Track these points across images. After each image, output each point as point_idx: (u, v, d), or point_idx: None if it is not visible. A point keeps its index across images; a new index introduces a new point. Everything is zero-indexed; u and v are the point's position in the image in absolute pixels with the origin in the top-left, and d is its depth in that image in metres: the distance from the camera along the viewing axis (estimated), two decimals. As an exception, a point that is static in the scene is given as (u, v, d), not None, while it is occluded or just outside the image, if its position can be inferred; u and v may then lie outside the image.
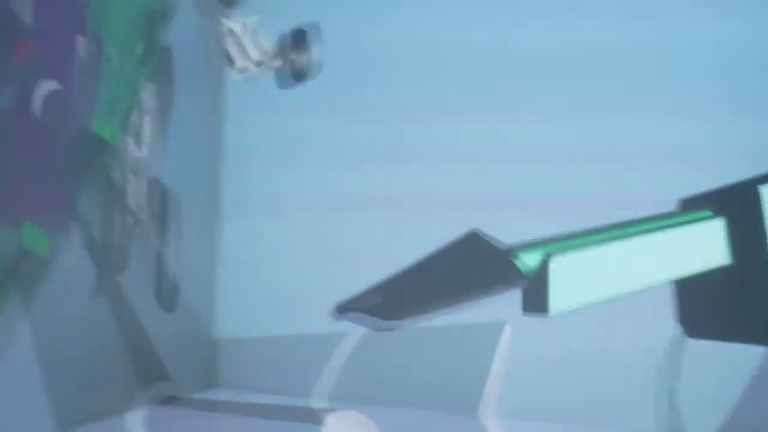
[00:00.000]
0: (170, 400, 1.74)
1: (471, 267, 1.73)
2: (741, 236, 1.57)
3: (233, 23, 1.97)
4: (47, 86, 1.26)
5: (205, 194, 1.96)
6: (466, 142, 1.78)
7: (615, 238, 1.62)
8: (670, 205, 1.62)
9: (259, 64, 1.97)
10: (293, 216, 1.90)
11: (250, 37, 1.97)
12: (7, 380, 1.20)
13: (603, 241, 1.63)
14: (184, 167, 1.83)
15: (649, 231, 1.60)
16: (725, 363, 1.53)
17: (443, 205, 1.75)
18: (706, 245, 1.58)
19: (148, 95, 1.68)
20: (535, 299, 1.64)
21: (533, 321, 1.66)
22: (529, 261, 1.65)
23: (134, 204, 1.68)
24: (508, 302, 1.68)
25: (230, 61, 1.98)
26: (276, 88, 1.96)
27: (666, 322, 1.59)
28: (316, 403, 1.78)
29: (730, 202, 1.57)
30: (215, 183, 1.98)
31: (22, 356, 1.25)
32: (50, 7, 1.28)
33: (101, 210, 1.54)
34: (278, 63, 1.96)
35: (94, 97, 1.44)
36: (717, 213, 1.58)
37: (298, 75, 1.94)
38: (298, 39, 1.94)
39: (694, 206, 1.60)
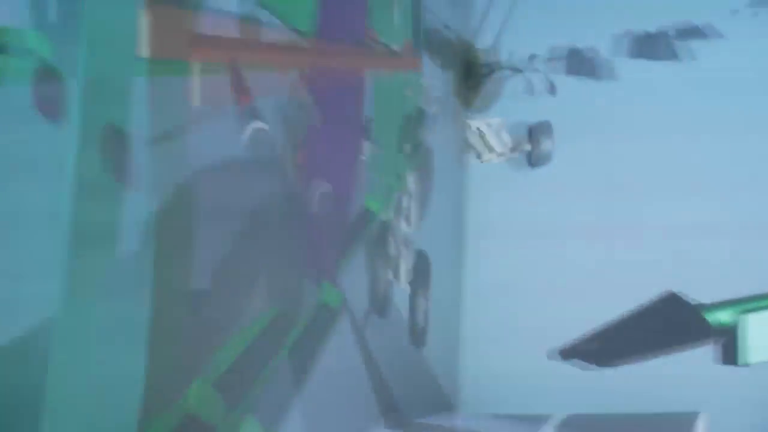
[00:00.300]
0: (411, 427, 2.13)
1: (669, 322, 1.93)
2: None
3: (479, 123, 2.45)
4: (321, 186, 1.77)
5: (451, 258, 2.41)
6: (681, 217, 2.03)
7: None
8: None
9: (500, 155, 2.42)
10: (529, 280, 2.26)
11: (493, 134, 2.43)
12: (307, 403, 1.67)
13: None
14: (437, 239, 2.31)
15: None
16: None
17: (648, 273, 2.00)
18: None
19: (412, 182, 2.18)
20: (728, 352, 1.79)
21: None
22: (722, 317, 1.82)
23: (404, 268, 2.16)
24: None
25: (476, 152, 2.46)
26: (512, 172, 2.39)
27: None
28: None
29: None
30: (460, 249, 2.44)
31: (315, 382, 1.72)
32: (345, 123, 1.83)
33: (380, 272, 2.04)
34: (516, 153, 2.39)
35: (370, 184, 1.96)
36: None
37: (533, 162, 2.36)
38: (533, 133, 2.36)
39: None
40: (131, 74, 1.07)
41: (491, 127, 2.43)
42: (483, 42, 2.46)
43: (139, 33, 1.13)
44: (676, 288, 2.00)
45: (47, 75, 0.94)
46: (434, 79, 2.26)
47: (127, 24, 1.07)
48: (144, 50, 1.09)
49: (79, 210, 0.94)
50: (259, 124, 1.51)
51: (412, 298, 2.19)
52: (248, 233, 1.40)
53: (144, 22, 1.11)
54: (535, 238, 2.28)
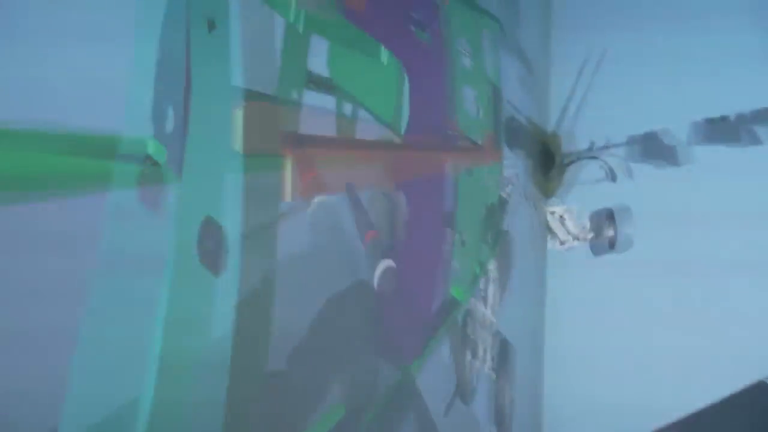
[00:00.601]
0: None
1: (759, 412, 1.87)
2: None
3: (559, 209, 2.48)
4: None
5: (532, 343, 2.41)
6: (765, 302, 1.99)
7: None
8: None
9: (580, 240, 2.44)
10: (610, 364, 2.24)
11: (573, 219, 2.46)
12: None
13: None
14: (518, 324, 2.32)
15: None
16: None
17: (733, 359, 1.95)
18: None
19: (493, 268, 2.22)
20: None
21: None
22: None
23: (487, 354, 2.18)
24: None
25: (556, 238, 2.49)
26: (592, 257, 2.40)
27: None
28: None
29: None
30: (540, 332, 2.44)
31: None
32: (430, 214, 1.90)
33: (464, 359, 2.06)
34: (596, 239, 2.40)
35: (455, 272, 2.01)
36: None
37: (613, 247, 2.36)
38: (613, 219, 2.38)
39: None
40: (227, 170, 1.16)
41: (571, 212, 2.46)
42: (560, 130, 2.52)
43: (235, 129, 1.23)
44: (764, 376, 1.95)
45: (153, 172, 1.04)
46: (515, 168, 2.32)
47: (224, 120, 1.17)
48: (239, 146, 1.19)
49: (173, 296, 1.02)
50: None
51: (496, 383, 2.19)
52: (330, 319, 1.46)
53: (240, 118, 1.22)
54: (616, 322, 2.26)
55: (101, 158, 0.92)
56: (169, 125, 1.05)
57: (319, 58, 1.44)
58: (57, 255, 0.84)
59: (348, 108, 1.54)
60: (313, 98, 1.42)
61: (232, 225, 1.14)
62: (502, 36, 2.27)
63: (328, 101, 1.47)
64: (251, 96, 1.21)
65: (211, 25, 1.12)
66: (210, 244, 1.08)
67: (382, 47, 1.67)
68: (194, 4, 1.09)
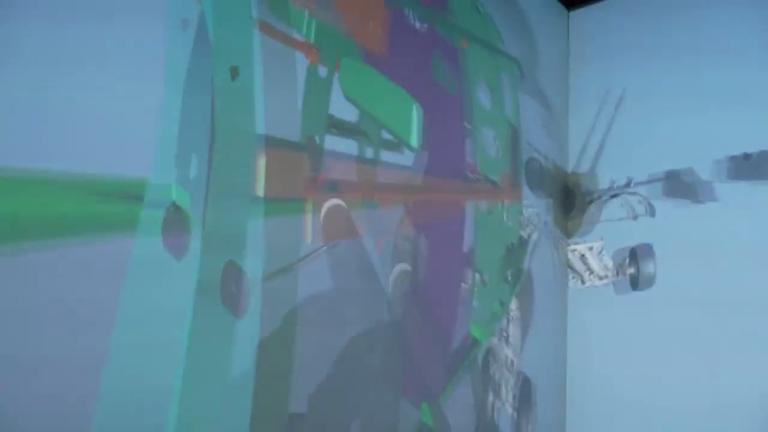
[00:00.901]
0: None
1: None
2: None
3: (580, 247, 2.49)
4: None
5: (554, 381, 2.40)
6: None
7: None
8: None
9: (602, 278, 2.44)
10: (634, 402, 2.23)
11: (595, 257, 2.47)
12: None
13: None
14: (540, 362, 2.32)
15: None
16: None
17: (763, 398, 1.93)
18: None
19: (514, 308, 2.23)
20: None
21: None
22: None
23: (509, 393, 2.18)
24: None
25: (578, 277, 2.49)
26: (614, 295, 2.40)
27: None
28: None
29: None
30: (562, 370, 2.43)
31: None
32: (449, 253, 1.93)
33: (485, 397, 2.07)
34: (619, 276, 2.41)
35: (474, 311, 2.02)
36: None
37: (636, 285, 2.36)
38: (635, 256, 2.38)
39: None
40: (249, 215, 1.20)
41: (592, 251, 2.47)
42: (580, 169, 2.54)
43: (257, 175, 1.28)
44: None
45: (177, 218, 1.08)
46: (534, 207, 2.34)
47: (246, 166, 1.21)
48: (261, 191, 1.23)
49: (195, 337, 1.06)
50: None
51: (518, 422, 2.18)
52: (351, 359, 1.48)
53: (262, 164, 1.26)
54: (638, 359, 2.26)
55: (128, 203, 0.97)
56: (193, 171, 1.09)
57: (340, 99, 1.49)
58: (86, 294, 0.88)
59: (369, 151, 1.58)
60: (334, 142, 1.46)
61: (253, 268, 1.18)
62: (521, 77, 2.31)
63: (350, 145, 1.51)
64: (274, 142, 1.26)
65: (235, 73, 1.17)
66: (232, 287, 1.12)
67: (402, 89, 1.71)
68: (218, 53, 1.14)
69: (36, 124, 0.87)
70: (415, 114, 1.74)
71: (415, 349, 1.73)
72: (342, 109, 1.50)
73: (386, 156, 1.64)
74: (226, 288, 1.13)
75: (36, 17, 0.86)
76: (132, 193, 1.00)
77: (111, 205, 0.96)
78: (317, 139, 1.41)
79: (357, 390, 1.51)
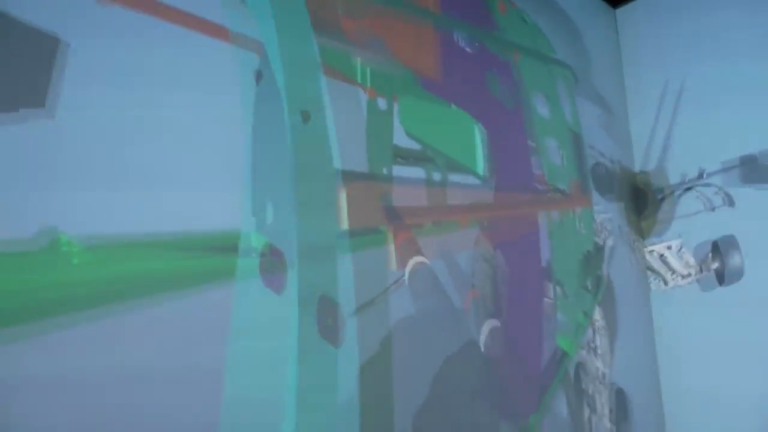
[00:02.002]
0: None
1: None
2: None
3: (659, 247, 2.46)
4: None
5: (646, 388, 2.36)
6: None
7: None
8: None
9: (686, 277, 2.40)
10: (731, 402, 2.16)
11: (675, 256, 2.42)
12: None
13: None
14: (630, 370, 2.28)
15: None
16: None
17: None
18: None
19: (599, 317, 2.21)
20: None
21: None
22: None
23: (604, 406, 2.15)
24: None
25: (660, 278, 2.45)
26: (699, 293, 2.35)
27: None
28: None
29: None
30: (655, 377, 2.38)
31: None
32: (527, 268, 1.93)
33: (580, 412, 2.04)
34: (703, 273, 2.36)
35: (559, 324, 2.01)
36: None
37: (722, 280, 2.31)
38: (719, 250, 2.33)
39: None
40: (336, 250, 1.25)
41: (671, 249, 2.43)
42: (648, 166, 2.52)
43: (340, 209, 1.32)
44: None
45: (272, 262, 1.13)
46: (606, 212, 2.33)
47: (329, 203, 1.26)
48: (345, 223, 1.28)
49: (302, 365, 1.10)
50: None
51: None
52: (446, 378, 1.49)
53: (343, 198, 1.31)
54: (735, 358, 2.19)
55: (224, 255, 1.02)
56: (278, 216, 1.14)
57: (402, 132, 1.53)
58: (197, 342, 0.93)
59: (437, 176, 1.61)
60: (402, 171, 1.50)
61: (346, 299, 1.22)
62: (576, 82, 2.31)
63: (416, 171, 1.55)
64: (350, 176, 1.30)
65: (306, 117, 1.22)
66: (328, 320, 1.16)
67: (461, 110, 1.74)
68: (289, 100, 1.19)
69: (128, 189, 0.92)
70: (479, 138, 1.76)
71: (509, 368, 1.73)
72: (405, 138, 1.53)
73: (455, 177, 1.67)
74: (322, 321, 1.17)
75: (112, 84, 0.91)
76: (225, 246, 1.05)
77: (206, 259, 1.01)
78: (385, 170, 1.45)
79: (456, 409, 1.53)
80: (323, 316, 1.19)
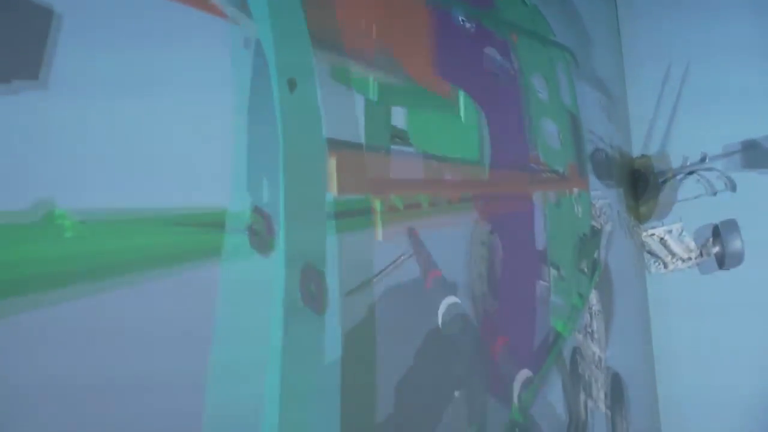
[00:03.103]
0: None
1: None
2: None
3: (659, 231, 2.48)
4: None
5: (644, 374, 2.38)
6: None
7: None
8: None
9: (686, 261, 2.41)
10: (725, 388, 2.18)
11: (676, 240, 2.44)
12: None
13: None
14: (625, 355, 2.31)
15: None
16: None
17: None
18: None
19: (595, 300, 2.23)
20: None
21: None
22: None
23: (600, 390, 2.17)
24: None
25: (660, 262, 2.47)
26: (690, 275, 2.37)
27: None
28: None
29: None
30: (650, 361, 2.41)
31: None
32: (523, 249, 1.95)
33: (575, 396, 2.07)
34: (703, 257, 2.37)
35: (554, 306, 2.04)
36: None
37: (723, 264, 2.33)
38: (719, 234, 2.35)
39: None
40: (324, 216, 1.28)
41: (672, 233, 2.45)
42: (649, 150, 2.53)
43: (330, 176, 1.35)
44: None
45: (259, 219, 1.16)
46: (605, 198, 2.34)
47: (318, 170, 1.29)
48: (333, 190, 1.31)
49: (287, 327, 1.14)
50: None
51: (611, 420, 2.17)
52: (432, 351, 1.52)
53: (332, 166, 1.33)
54: (729, 342, 2.21)
55: (211, 232, 1.05)
56: (266, 195, 1.17)
57: (399, 111, 1.55)
58: (184, 314, 0.96)
59: (435, 165, 1.64)
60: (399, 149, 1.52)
61: (330, 268, 1.25)
62: (576, 65, 2.33)
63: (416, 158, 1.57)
64: (339, 145, 1.33)
65: (293, 85, 1.24)
66: (312, 287, 1.19)
67: (458, 94, 1.76)
68: (277, 69, 1.22)
69: (123, 163, 0.95)
70: (477, 125, 1.78)
71: (501, 347, 1.77)
72: (402, 119, 1.55)
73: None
74: (305, 287, 1.21)
75: (106, 57, 0.94)
76: (213, 222, 1.08)
77: (194, 235, 1.04)
78: (383, 148, 1.47)
79: (443, 383, 1.56)
80: (307, 283, 1.22)
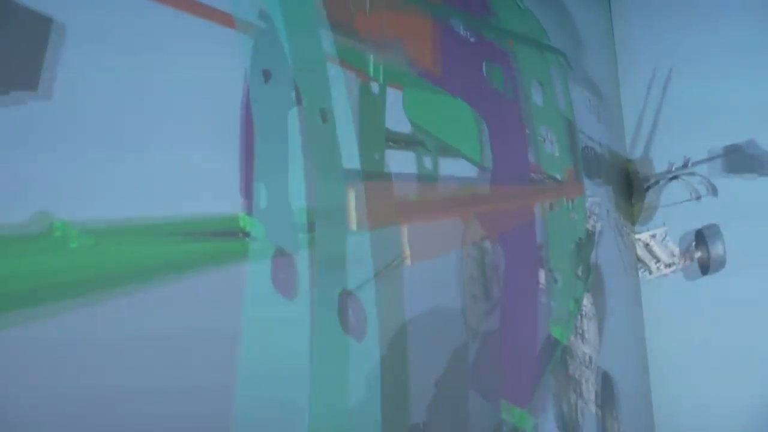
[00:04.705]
0: None
1: None
2: None
3: (643, 236, 2.57)
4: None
5: (635, 375, 2.48)
6: None
7: None
8: None
9: (669, 265, 2.52)
10: (719, 392, 2.29)
11: (659, 245, 2.54)
12: None
13: None
14: (617, 355, 2.40)
15: None
16: None
17: None
18: None
19: (587, 303, 2.30)
20: None
21: None
22: None
23: (591, 392, 2.25)
24: None
25: (645, 267, 2.57)
26: (685, 282, 2.47)
27: None
28: None
29: None
30: (644, 365, 2.51)
31: None
32: (523, 256, 2.00)
33: (567, 397, 2.14)
34: (687, 262, 2.48)
35: (551, 311, 2.10)
36: None
37: (705, 269, 2.43)
38: (702, 239, 2.45)
39: None
40: (353, 242, 1.30)
41: (656, 238, 2.54)
42: (635, 153, 2.62)
43: (349, 209, 1.37)
44: None
45: (282, 258, 1.17)
46: (596, 199, 2.42)
47: (339, 202, 1.31)
48: (352, 224, 1.33)
49: (315, 365, 1.16)
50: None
51: (602, 421, 2.26)
52: (455, 370, 1.57)
53: (351, 199, 1.35)
54: (721, 342, 2.32)
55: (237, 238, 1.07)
56: (263, 201, 1.19)
57: (395, 115, 1.57)
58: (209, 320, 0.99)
59: (428, 162, 1.66)
60: (394, 156, 1.54)
61: (366, 293, 1.28)
62: (569, 69, 2.38)
63: (408, 156, 1.60)
64: (365, 176, 1.35)
65: (325, 116, 1.26)
66: (350, 314, 1.22)
67: (461, 101, 1.79)
68: (308, 98, 1.23)
69: (127, 172, 0.95)
70: (478, 128, 1.82)
71: (506, 357, 1.82)
72: (398, 122, 1.57)
73: (449, 167, 1.71)
74: (344, 315, 1.24)
75: (108, 66, 0.93)
76: (225, 231, 1.09)
77: (205, 243, 1.05)
78: (377, 155, 1.48)
79: (465, 400, 1.61)
80: (342, 311, 1.24)
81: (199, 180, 1.02)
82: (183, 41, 1.03)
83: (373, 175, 1.41)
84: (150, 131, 0.95)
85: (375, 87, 1.54)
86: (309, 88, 1.24)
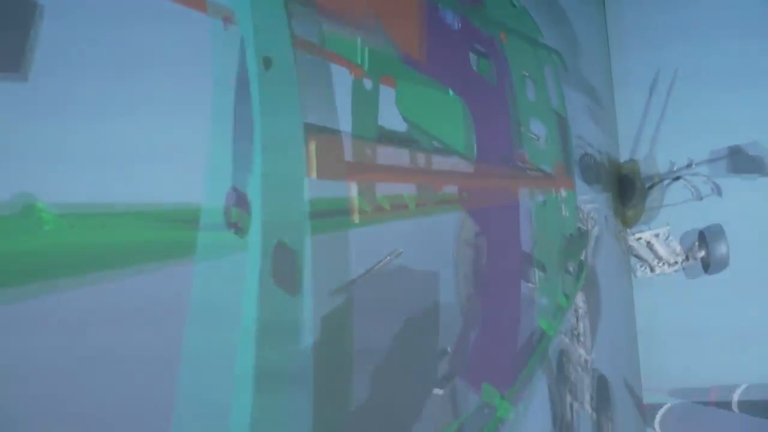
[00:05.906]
0: None
1: None
2: None
3: (646, 235, 2.54)
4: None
5: (629, 377, 2.43)
6: None
7: None
8: None
9: (672, 265, 2.48)
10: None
11: (662, 244, 2.51)
12: None
13: None
14: (610, 355, 2.36)
15: None
16: None
17: None
18: None
19: (581, 302, 2.28)
20: None
21: None
22: None
23: (585, 392, 2.22)
24: None
25: (647, 266, 2.54)
26: (683, 282, 2.44)
27: None
28: None
29: None
30: (637, 367, 2.47)
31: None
32: (507, 246, 2.01)
33: (561, 397, 2.11)
34: (689, 261, 2.45)
35: (539, 305, 2.09)
36: None
37: (708, 269, 2.40)
38: (705, 239, 2.42)
39: None
40: (300, 197, 1.31)
41: (659, 237, 2.52)
42: (637, 154, 2.60)
43: (307, 159, 1.39)
44: None
45: (237, 198, 1.20)
46: (593, 200, 2.41)
47: (296, 152, 1.33)
48: (311, 173, 1.34)
49: (262, 310, 1.17)
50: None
51: (597, 423, 2.22)
52: (410, 337, 1.56)
53: (311, 149, 1.37)
54: (713, 345, 2.27)
55: (186, 229, 1.09)
56: (243, 175, 1.21)
57: (388, 111, 1.59)
58: (159, 303, 1.01)
59: (421, 158, 1.68)
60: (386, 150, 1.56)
61: (304, 248, 1.29)
62: (564, 68, 2.40)
63: (401, 153, 1.62)
64: (319, 130, 1.37)
65: (267, 63, 1.29)
66: (285, 268, 1.23)
67: (445, 88, 1.82)
68: (254, 48, 1.27)
69: (104, 157, 0.97)
70: (462, 115, 1.84)
71: (482, 339, 1.81)
72: (391, 119, 1.59)
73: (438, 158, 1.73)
74: (278, 269, 1.24)
75: (88, 50, 0.97)
76: (191, 218, 1.10)
77: (169, 231, 1.07)
78: (368, 150, 1.50)
79: (419, 370, 1.59)
80: (279, 264, 1.24)
81: (180, 167, 1.05)
82: (159, 25, 1.07)
83: (334, 131, 1.42)
84: (130, 115, 0.97)
85: (368, 83, 1.55)
86: (257, 39, 1.27)
